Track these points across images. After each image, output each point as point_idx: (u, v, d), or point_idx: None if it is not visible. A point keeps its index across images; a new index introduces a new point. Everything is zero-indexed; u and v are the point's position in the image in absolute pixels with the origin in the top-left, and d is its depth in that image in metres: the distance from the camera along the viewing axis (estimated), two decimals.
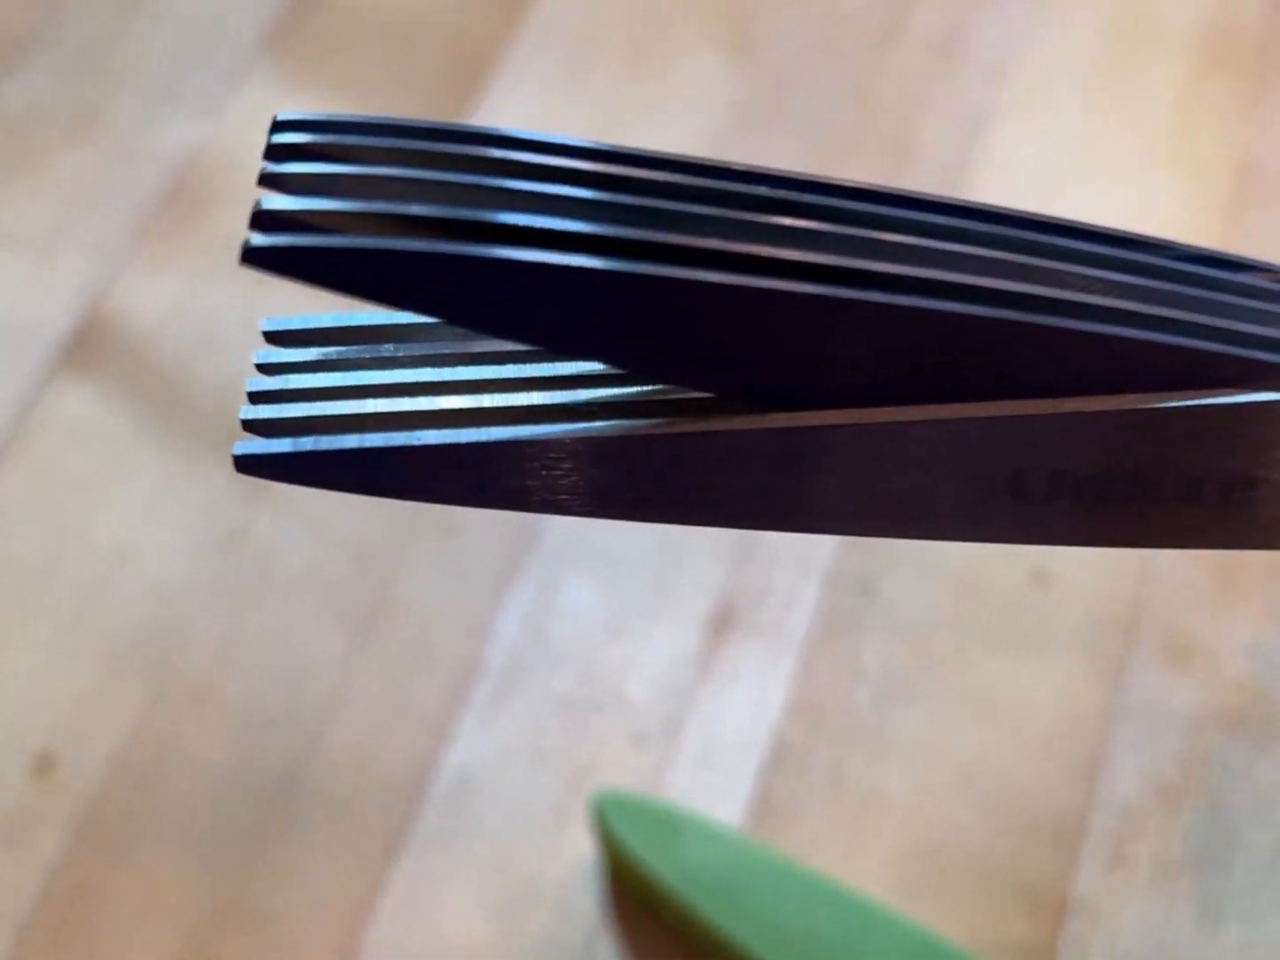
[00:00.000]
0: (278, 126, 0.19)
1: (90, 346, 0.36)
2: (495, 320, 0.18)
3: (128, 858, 0.30)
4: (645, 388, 0.18)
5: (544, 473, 0.18)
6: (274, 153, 0.19)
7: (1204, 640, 0.32)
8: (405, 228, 0.18)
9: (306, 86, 0.40)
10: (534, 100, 0.40)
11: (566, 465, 0.18)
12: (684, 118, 0.39)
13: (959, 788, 0.31)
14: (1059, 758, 0.31)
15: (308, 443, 0.18)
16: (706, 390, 0.18)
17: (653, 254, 0.17)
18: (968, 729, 0.31)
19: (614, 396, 0.18)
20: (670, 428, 0.18)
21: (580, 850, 0.30)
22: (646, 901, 0.29)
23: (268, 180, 0.19)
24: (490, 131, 0.19)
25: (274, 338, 0.20)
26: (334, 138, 0.19)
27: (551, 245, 0.17)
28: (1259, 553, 0.33)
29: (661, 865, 0.28)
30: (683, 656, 0.32)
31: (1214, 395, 0.17)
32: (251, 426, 0.19)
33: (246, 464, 0.19)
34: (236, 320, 0.37)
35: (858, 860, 0.30)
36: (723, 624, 0.33)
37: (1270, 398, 0.17)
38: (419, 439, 0.17)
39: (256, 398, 0.19)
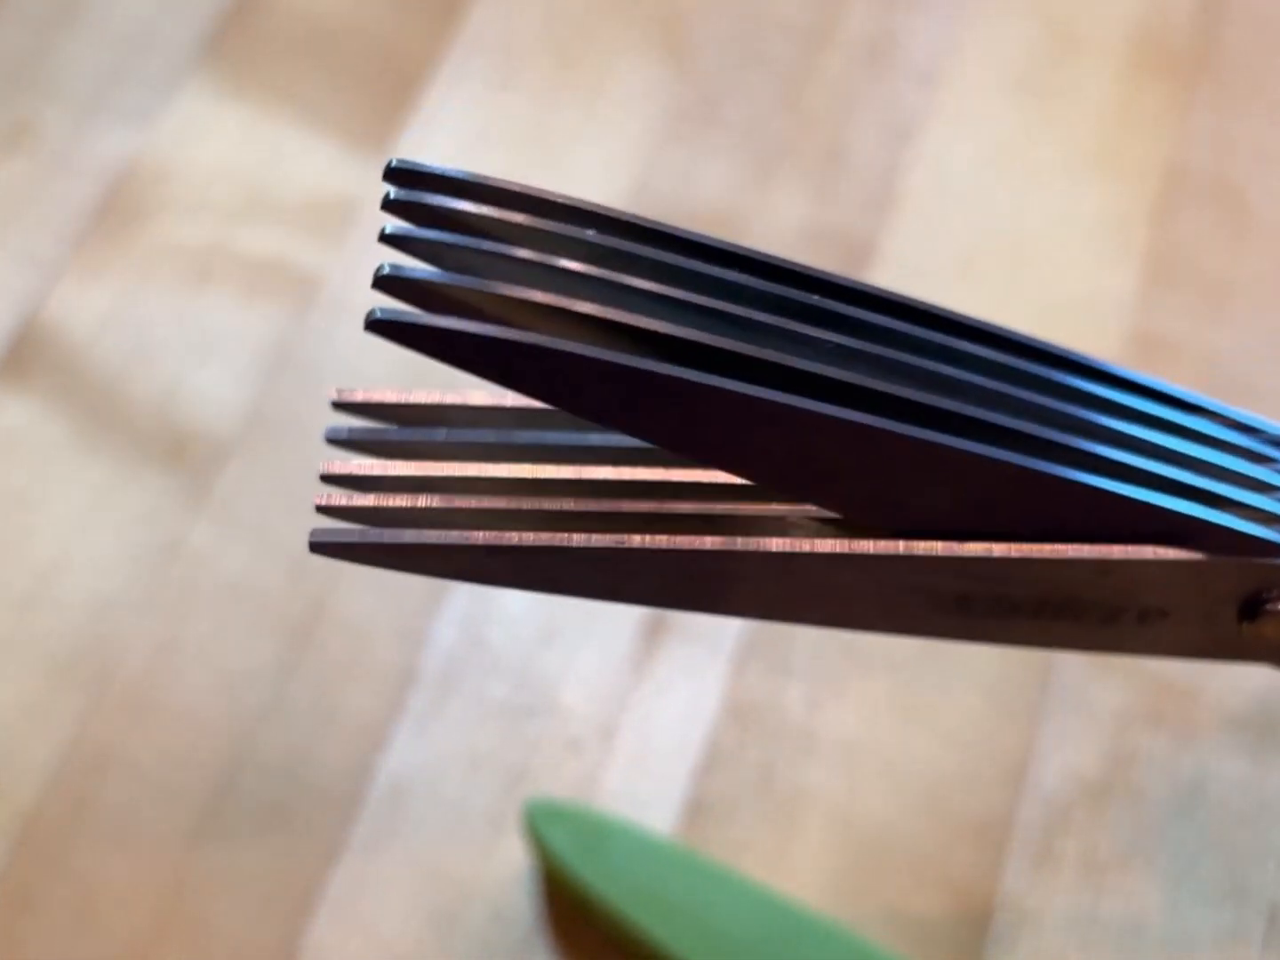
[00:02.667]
0: (394, 175, 0.20)
1: (25, 358, 0.36)
2: (638, 427, 0.20)
3: (65, 867, 0.31)
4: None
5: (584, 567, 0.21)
6: (393, 207, 0.20)
7: None
8: (553, 321, 0.18)
9: (241, 95, 0.40)
10: (467, 106, 0.40)
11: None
12: (616, 123, 0.40)
13: (888, 787, 0.31)
14: (987, 757, 0.31)
15: (373, 534, 0.22)
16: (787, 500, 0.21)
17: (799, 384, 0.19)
18: (897, 729, 0.32)
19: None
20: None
21: (515, 856, 0.30)
22: (579, 907, 0.29)
23: (391, 240, 0.19)
24: (615, 216, 0.21)
25: (340, 407, 0.24)
26: (450, 201, 0.20)
27: (703, 364, 0.19)
28: None
29: (591, 872, 0.28)
30: (617, 662, 0.33)
31: (1143, 549, 0.20)
32: (325, 511, 0.22)
33: (320, 548, 0.22)
34: (172, 330, 0.37)
35: (788, 859, 0.30)
36: (657, 629, 0.33)
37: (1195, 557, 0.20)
38: (467, 539, 0.21)
39: (329, 480, 0.23)
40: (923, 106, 0.40)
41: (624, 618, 0.33)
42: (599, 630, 0.33)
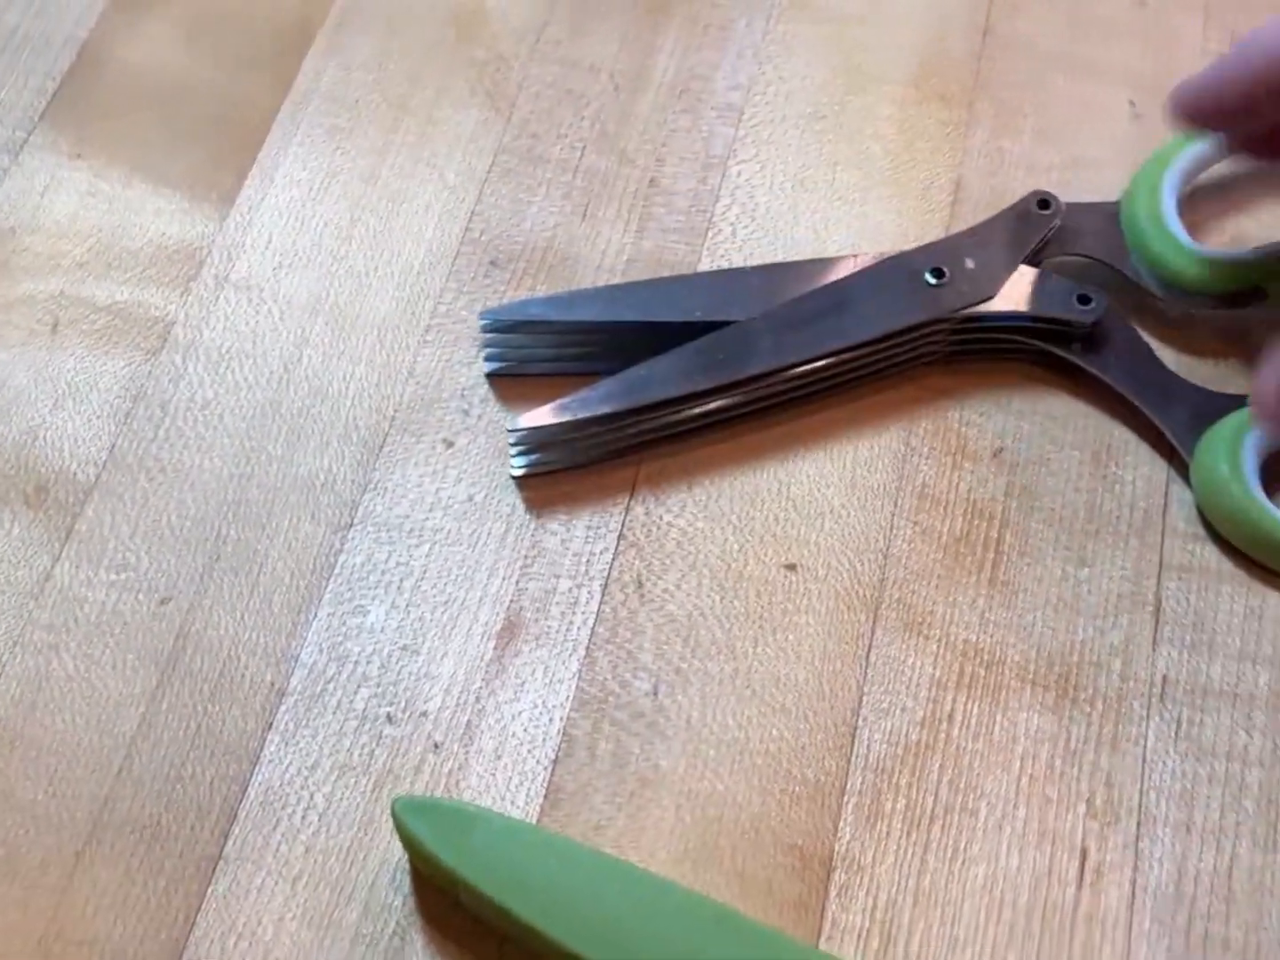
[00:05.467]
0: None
1: None
2: None
3: None
4: None
5: None
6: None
7: (938, 612, 0.35)
8: None
9: (85, 153, 0.42)
10: (305, 155, 0.42)
11: None
12: (448, 165, 0.42)
13: (729, 762, 0.34)
14: (818, 728, 0.34)
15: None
16: None
17: None
18: (735, 708, 0.34)
19: None
20: None
21: (388, 853, 0.32)
22: (449, 894, 0.31)
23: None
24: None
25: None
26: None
27: None
28: (981, 531, 0.37)
29: (458, 859, 0.30)
30: (475, 666, 0.35)
31: None
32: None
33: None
34: (29, 379, 0.38)
35: (642, 836, 0.33)
36: (511, 633, 0.35)
37: None
38: None
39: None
40: (731, 138, 0.43)
41: (479, 625, 0.35)
42: (455, 638, 0.35)
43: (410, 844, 0.31)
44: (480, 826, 0.31)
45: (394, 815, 0.31)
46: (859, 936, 0.32)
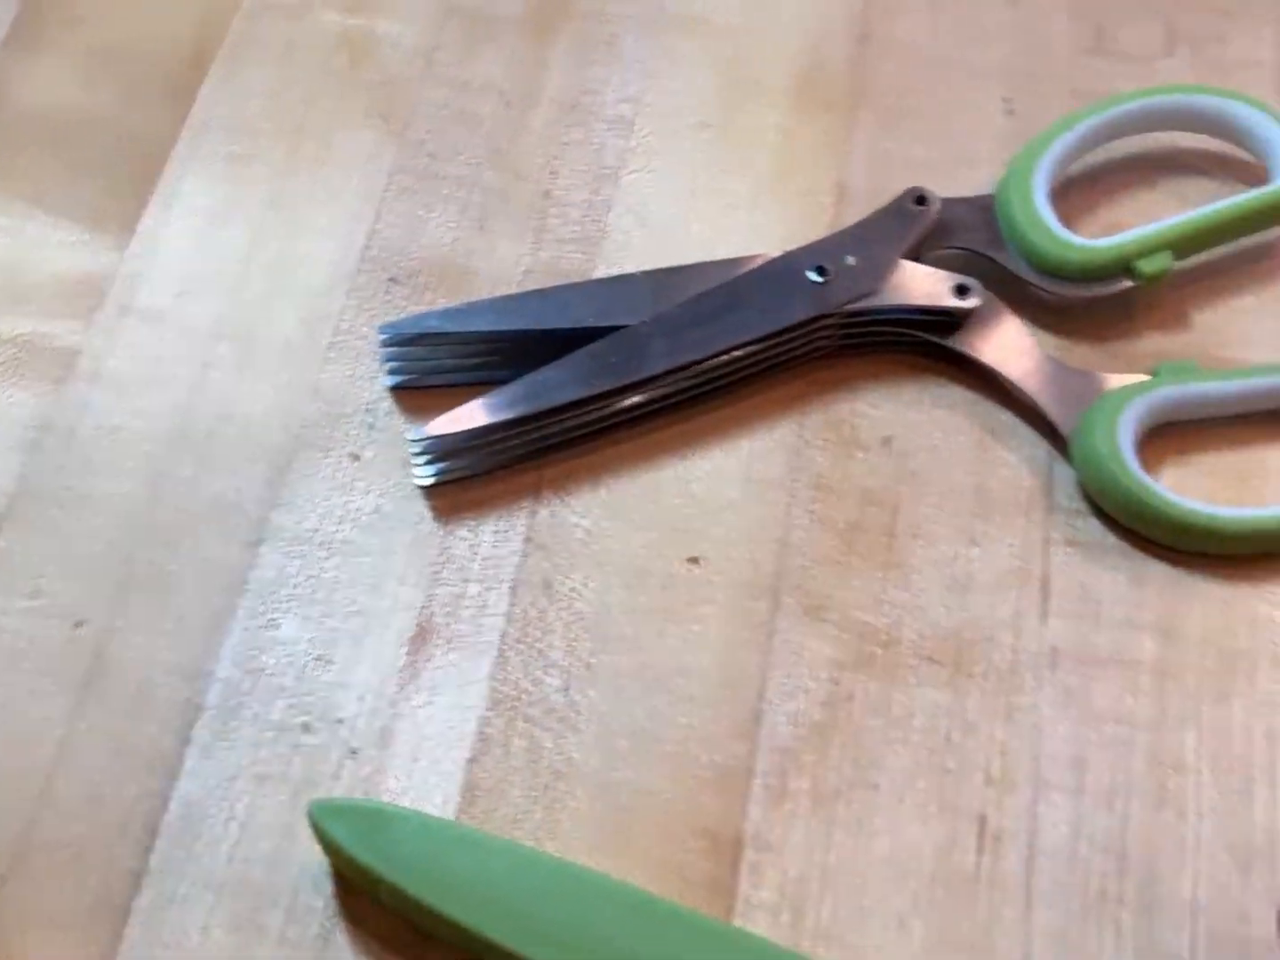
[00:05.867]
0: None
1: None
2: None
3: None
4: None
5: None
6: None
7: (836, 597, 0.37)
8: None
9: None
10: (205, 183, 0.43)
11: None
12: (345, 186, 0.43)
13: (640, 752, 0.35)
14: (724, 713, 0.35)
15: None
16: None
17: None
18: (643, 699, 0.35)
19: None
20: None
21: (308, 858, 0.33)
22: (370, 893, 0.32)
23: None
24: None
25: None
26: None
27: None
28: (875, 517, 0.38)
29: (376, 858, 0.31)
30: (389, 673, 0.36)
31: None
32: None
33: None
34: None
35: (558, 827, 0.34)
36: (423, 639, 0.36)
37: None
38: None
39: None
40: (622, 150, 0.44)
41: (391, 632, 0.36)
42: (368, 646, 0.36)
43: (329, 846, 0.32)
44: (397, 825, 0.32)
45: (311, 819, 0.32)
46: (771, 912, 0.33)
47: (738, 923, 0.33)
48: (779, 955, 0.32)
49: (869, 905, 0.33)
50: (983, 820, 0.34)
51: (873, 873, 0.33)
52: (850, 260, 0.39)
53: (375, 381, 0.40)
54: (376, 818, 0.32)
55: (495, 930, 0.31)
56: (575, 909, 0.31)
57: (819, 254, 0.39)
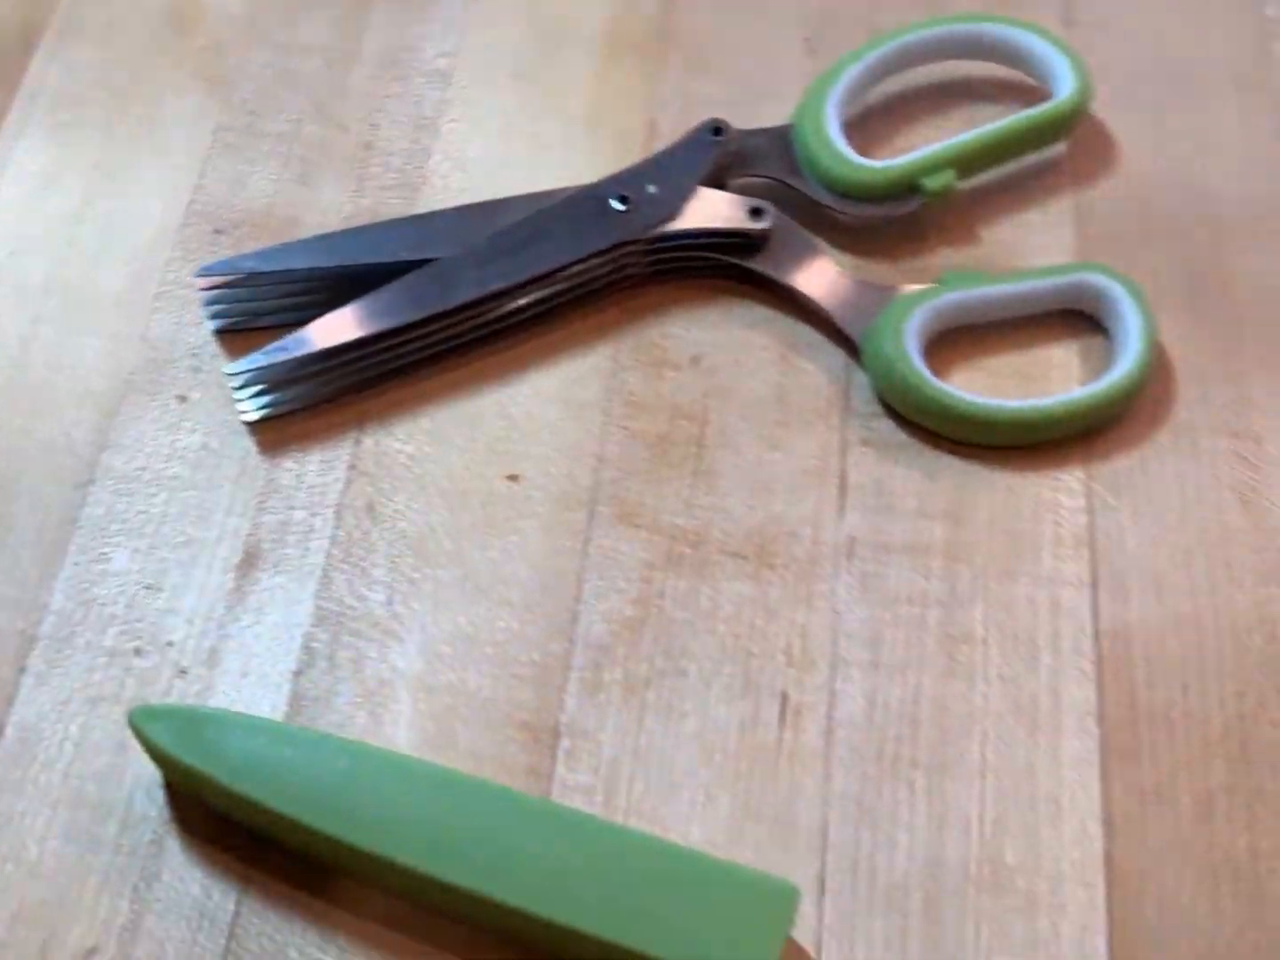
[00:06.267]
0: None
1: None
2: None
3: None
4: None
5: None
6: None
7: (649, 504, 0.39)
8: None
9: None
10: (35, 151, 0.44)
11: None
12: (172, 146, 0.44)
13: (461, 656, 0.36)
14: (541, 616, 0.37)
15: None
16: None
17: None
18: (465, 608, 0.37)
19: None
20: None
21: (141, 772, 0.34)
22: (198, 796, 0.34)
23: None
24: None
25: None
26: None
27: None
28: (684, 430, 0.40)
29: (197, 758, 0.33)
30: (217, 598, 0.37)
31: None
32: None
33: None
34: None
35: (381, 729, 0.35)
36: (250, 564, 0.38)
37: None
38: None
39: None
40: (439, 101, 0.46)
41: (218, 560, 0.37)
42: (196, 574, 0.37)
43: (152, 751, 0.33)
44: (216, 725, 0.33)
45: (131, 725, 0.33)
46: (585, 793, 0.34)
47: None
48: (595, 825, 0.33)
49: (677, 781, 0.35)
50: (784, 697, 0.36)
51: (681, 752, 0.35)
52: (651, 189, 0.41)
53: (201, 328, 0.41)
54: (196, 719, 0.33)
55: (320, 820, 0.32)
56: (398, 794, 0.33)
57: (621, 184, 0.41)
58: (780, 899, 0.32)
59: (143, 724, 0.33)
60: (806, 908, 0.33)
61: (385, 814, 0.32)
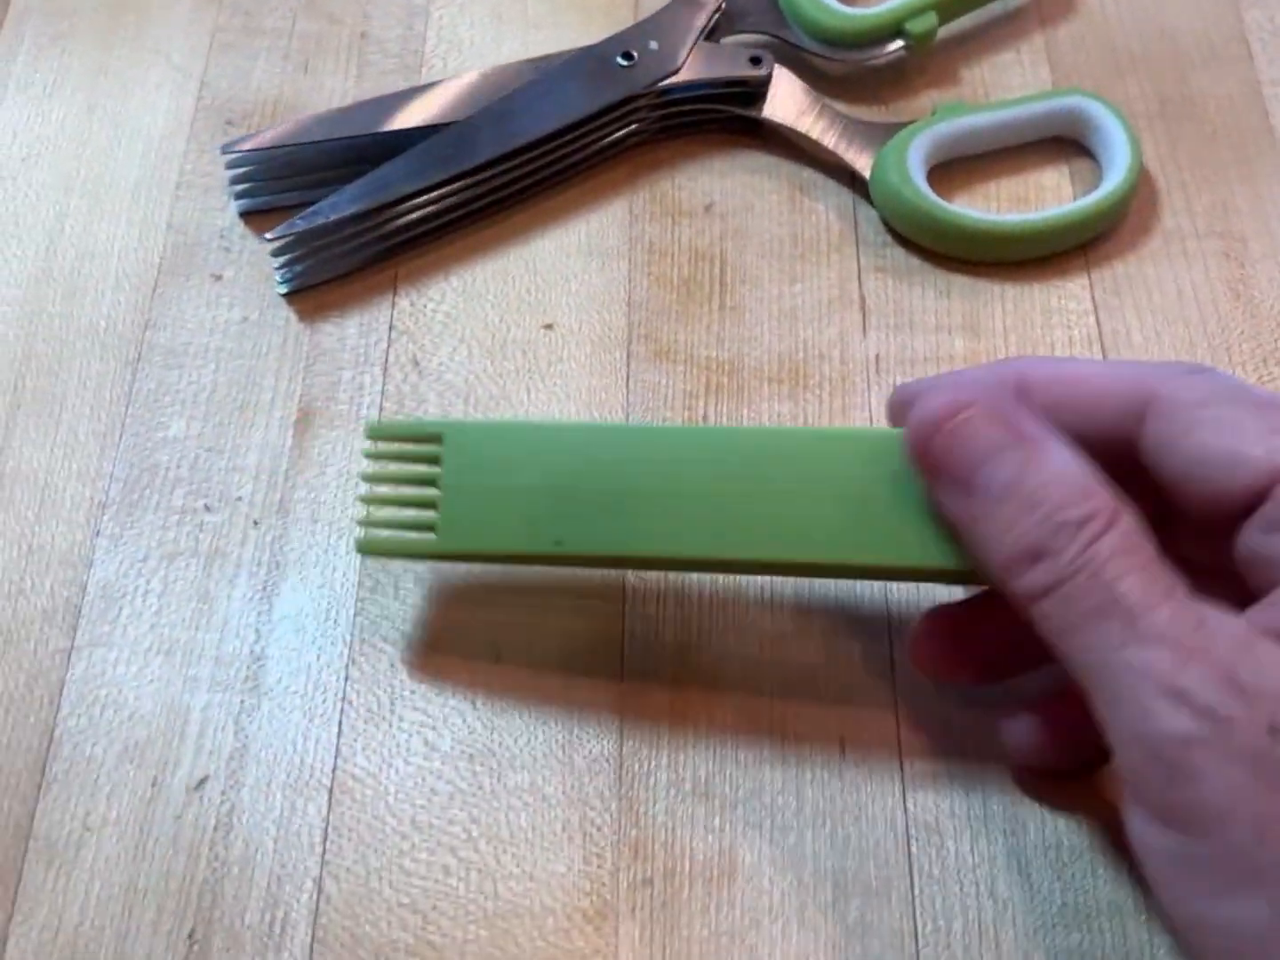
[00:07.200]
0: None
1: None
2: None
3: None
4: None
5: None
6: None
7: (681, 339, 0.40)
8: None
9: None
10: (35, 63, 0.45)
11: None
12: (171, 48, 0.45)
13: None
14: None
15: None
16: None
17: None
18: None
19: None
20: None
21: (228, 615, 0.35)
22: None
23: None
24: None
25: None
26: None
27: None
28: (705, 271, 0.42)
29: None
30: (279, 454, 0.38)
31: None
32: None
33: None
34: None
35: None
36: (307, 422, 0.39)
37: None
38: None
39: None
40: None
41: (274, 420, 0.38)
42: (255, 434, 0.38)
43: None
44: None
45: (369, 433, 0.34)
46: (657, 598, 0.36)
47: (629, 612, 0.36)
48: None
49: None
50: None
51: None
52: (653, 45, 0.43)
53: (226, 212, 0.42)
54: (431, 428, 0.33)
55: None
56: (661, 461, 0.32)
57: (623, 42, 0.43)
58: None
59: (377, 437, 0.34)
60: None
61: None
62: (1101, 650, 0.27)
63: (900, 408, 0.33)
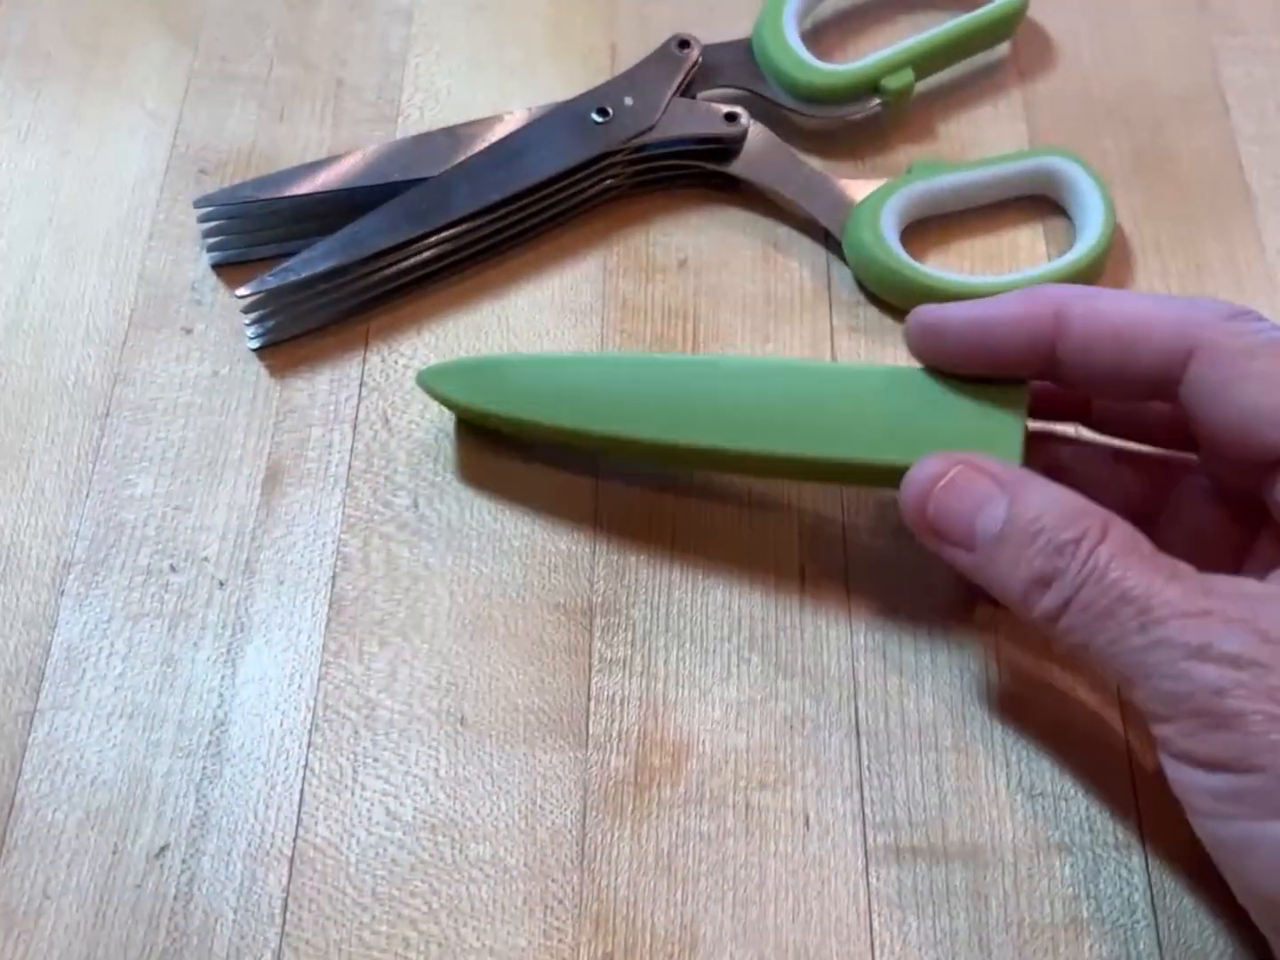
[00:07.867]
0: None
1: None
2: None
3: None
4: None
5: None
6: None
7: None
8: None
9: None
10: (8, 108, 0.45)
11: None
12: (146, 95, 0.45)
13: (491, 549, 0.37)
14: (567, 505, 0.38)
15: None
16: None
17: None
18: (489, 505, 0.38)
19: None
20: None
21: (191, 679, 0.35)
22: (494, 428, 0.38)
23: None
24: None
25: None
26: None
27: None
28: (679, 328, 0.41)
29: (484, 399, 0.37)
30: (246, 513, 0.38)
31: None
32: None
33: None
34: None
35: (423, 621, 0.36)
36: (275, 480, 0.38)
37: None
38: None
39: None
40: (405, 36, 0.47)
41: (243, 478, 0.38)
42: (223, 493, 0.38)
43: (445, 401, 0.38)
44: (493, 368, 0.37)
45: (422, 385, 0.38)
46: (624, 664, 0.36)
47: (595, 679, 0.36)
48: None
49: (709, 648, 0.36)
50: (802, 567, 0.38)
51: (710, 621, 0.37)
52: (628, 101, 0.43)
53: (198, 263, 0.42)
54: (486, 368, 0.37)
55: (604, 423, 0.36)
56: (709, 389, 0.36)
57: (599, 98, 0.43)
58: (1011, 391, 0.34)
59: (433, 382, 0.38)
60: (846, 746, 0.35)
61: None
62: (1123, 639, 0.29)
63: (919, 329, 0.35)
